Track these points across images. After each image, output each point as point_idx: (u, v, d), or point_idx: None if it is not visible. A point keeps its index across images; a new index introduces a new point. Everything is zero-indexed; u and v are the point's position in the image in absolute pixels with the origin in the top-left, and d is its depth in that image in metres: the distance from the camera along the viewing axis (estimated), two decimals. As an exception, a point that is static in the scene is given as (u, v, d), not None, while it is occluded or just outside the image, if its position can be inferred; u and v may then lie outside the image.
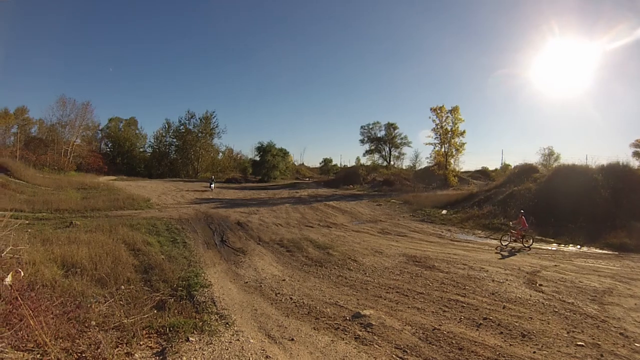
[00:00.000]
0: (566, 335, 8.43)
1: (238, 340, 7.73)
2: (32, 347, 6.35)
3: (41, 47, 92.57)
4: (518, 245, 19.19)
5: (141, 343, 7.26)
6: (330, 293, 11.19)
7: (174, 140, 69.28)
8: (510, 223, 21.07)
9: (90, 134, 66.54)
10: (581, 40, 67.40)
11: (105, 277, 10.31)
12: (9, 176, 34.35)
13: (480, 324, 9.02)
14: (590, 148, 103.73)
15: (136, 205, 25.76)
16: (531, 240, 19.41)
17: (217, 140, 71.68)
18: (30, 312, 6.66)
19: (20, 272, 8.60)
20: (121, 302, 8.98)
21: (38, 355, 6.18)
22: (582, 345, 7.92)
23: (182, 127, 68.25)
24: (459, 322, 9.14)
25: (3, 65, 64.91)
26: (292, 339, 8.14)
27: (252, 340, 7.78)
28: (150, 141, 72.10)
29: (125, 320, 7.81)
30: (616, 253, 17.72)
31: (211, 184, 41.82)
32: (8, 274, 8.24)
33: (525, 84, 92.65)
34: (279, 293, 11.15)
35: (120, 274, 10.78)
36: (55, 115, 59.43)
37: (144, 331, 7.71)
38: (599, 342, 8.09)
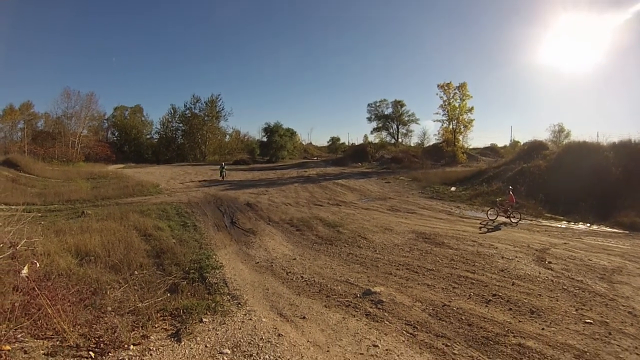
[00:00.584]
0: (575, 312, 8.51)
1: (250, 319, 7.89)
2: (52, 335, 6.57)
3: (42, 41, 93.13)
4: (514, 221, 19.23)
5: (156, 326, 7.45)
6: (341, 271, 11.34)
7: (181, 125, 69.58)
8: (498, 199, 21.33)
9: (97, 124, 67.07)
10: (593, 14, 66.34)
11: (119, 263, 10.53)
12: (18, 171, 34.82)
13: (490, 300, 9.13)
14: (602, 125, 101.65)
15: (145, 192, 26.00)
16: (519, 216, 19.48)
17: (223, 123, 71.81)
18: (48, 301, 6.87)
19: (36, 263, 8.78)
20: (135, 287, 9.21)
21: (57, 342, 6.39)
22: (590, 323, 7.99)
23: (187, 111, 68.51)
24: (468, 299, 9.26)
25: (5, 62, 65.37)
26: (304, 317, 8.30)
27: (264, 319, 7.92)
28: (156, 127, 72.63)
29: (140, 305, 8.05)
30: (626, 232, 17.54)
31: (222, 171, 36.47)
32: (24, 266, 8.43)
33: (536, 60, 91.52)
34: (289, 272, 11.31)
35: (133, 259, 10.99)
36: (60, 108, 60.09)
37: (158, 314, 7.92)
38: (607, 320, 8.15)
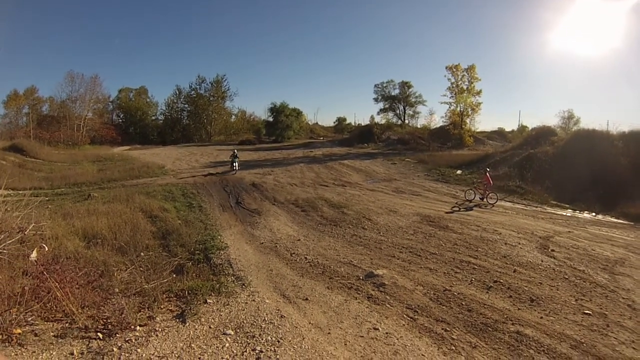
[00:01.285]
0: (574, 302, 8.59)
1: (254, 300, 8.05)
2: (61, 317, 6.78)
3: (44, 24, 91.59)
4: (490, 202, 19.62)
5: (162, 307, 7.66)
6: (345, 252, 11.47)
7: (186, 105, 68.76)
8: (476, 180, 21.91)
9: (102, 107, 66.19)
10: None
11: (125, 245, 10.71)
12: (25, 156, 34.75)
13: (491, 286, 9.24)
14: (613, 113, 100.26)
15: (151, 173, 26.08)
16: (496, 197, 19.83)
17: (229, 103, 70.88)
18: (57, 284, 7.06)
19: (44, 247, 8.99)
20: (141, 268, 9.41)
21: (67, 324, 6.60)
22: (589, 314, 8.07)
23: (193, 92, 67.54)
24: (469, 284, 9.38)
25: (9, 47, 64.96)
26: (307, 299, 8.44)
27: (267, 301, 8.07)
28: (162, 108, 71.56)
29: (146, 286, 8.21)
30: (632, 223, 17.30)
31: (234, 162, 27.75)
32: (33, 250, 8.62)
33: (547, 43, 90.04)
34: (294, 253, 11.45)
35: (139, 241, 11.17)
36: (64, 92, 59.26)
37: (164, 295, 8.11)
38: (606, 312, 8.22)
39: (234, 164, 27.26)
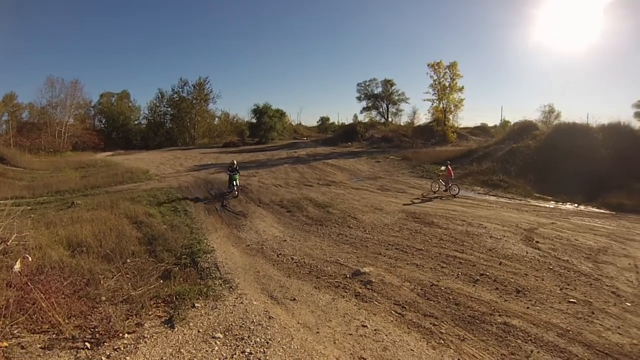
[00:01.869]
0: (559, 292, 8.71)
1: (242, 303, 8.03)
2: (47, 328, 6.69)
3: (22, 28, 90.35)
4: (452, 193, 20.64)
5: (150, 313, 7.59)
6: (331, 251, 11.48)
7: (169, 109, 67.92)
8: (440, 173, 22.33)
9: (83, 112, 65.06)
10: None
11: (111, 252, 10.57)
12: (5, 164, 33.82)
13: (477, 280, 9.33)
14: (592, 107, 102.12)
15: (135, 178, 25.68)
16: (457, 189, 21.00)
17: (212, 105, 70.26)
18: (42, 295, 6.98)
19: (28, 257, 8.85)
20: (128, 275, 9.30)
21: (54, 335, 6.52)
22: (574, 302, 8.19)
23: (175, 95, 66.89)
24: (456, 278, 9.46)
25: None
26: (294, 299, 8.44)
27: (255, 302, 8.06)
28: (144, 112, 70.69)
29: (133, 293, 8.15)
30: (613, 213, 17.76)
31: (234, 180, 20.00)
32: (16, 261, 8.48)
33: (527, 39, 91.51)
34: (280, 254, 11.45)
35: (125, 248, 11.03)
36: (44, 97, 58.14)
37: (151, 301, 8.04)
38: (591, 300, 8.35)
39: (234, 183, 19.79)
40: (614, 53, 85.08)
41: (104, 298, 7.89)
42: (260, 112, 59.01)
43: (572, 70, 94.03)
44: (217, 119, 71.58)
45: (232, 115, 73.36)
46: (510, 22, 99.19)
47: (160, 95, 68.76)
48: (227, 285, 9.04)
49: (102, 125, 67.87)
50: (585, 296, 8.53)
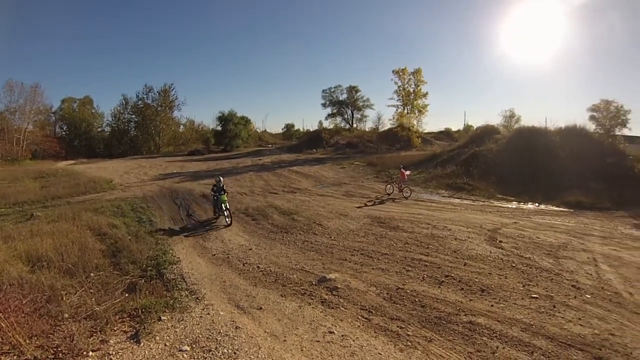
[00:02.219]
0: (522, 288, 8.90)
1: (208, 314, 7.84)
2: (8, 350, 6.32)
3: None
4: (405, 194, 21.37)
5: (115, 329, 7.29)
6: (297, 259, 11.38)
7: (133, 116, 66.07)
8: (392, 176, 23.75)
9: (43, 118, 61.93)
10: (544, 5, 70.22)
11: (73, 266, 10.12)
12: None
13: (442, 281, 9.39)
14: (550, 111, 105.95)
15: (98, 188, 24.82)
16: (410, 191, 21.55)
17: (177, 113, 69.02)
18: (1, 314, 6.60)
19: None
20: (91, 290, 8.94)
21: (15, 357, 6.17)
22: (537, 297, 8.39)
23: (140, 102, 65.30)
24: (422, 281, 9.49)
25: None
26: (261, 308, 8.31)
27: (222, 313, 7.89)
28: (108, 119, 68.63)
29: (98, 308, 7.82)
30: (572, 210, 18.47)
31: (221, 203, 16.30)
32: None
33: (490, 47, 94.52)
34: (246, 263, 11.29)
35: (88, 261, 10.59)
36: (2, 102, 54.97)
37: (116, 316, 7.73)
38: (552, 294, 8.58)
39: (222, 206, 16.10)
40: (571, 61, 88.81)
41: (66, 315, 7.54)
42: (225, 119, 58.37)
43: (532, 77, 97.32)
44: (182, 127, 70.23)
45: (197, 123, 72.14)
46: (473, 31, 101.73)
47: (124, 102, 66.70)
48: (193, 296, 8.82)
49: (64, 133, 65.23)
50: (547, 291, 8.76)
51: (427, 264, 10.56)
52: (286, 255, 11.79)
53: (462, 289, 8.91)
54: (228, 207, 16.16)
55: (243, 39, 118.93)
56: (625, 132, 30.46)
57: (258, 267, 10.87)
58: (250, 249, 12.52)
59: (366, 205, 19.01)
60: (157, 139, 64.36)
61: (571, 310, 7.89)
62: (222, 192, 16.54)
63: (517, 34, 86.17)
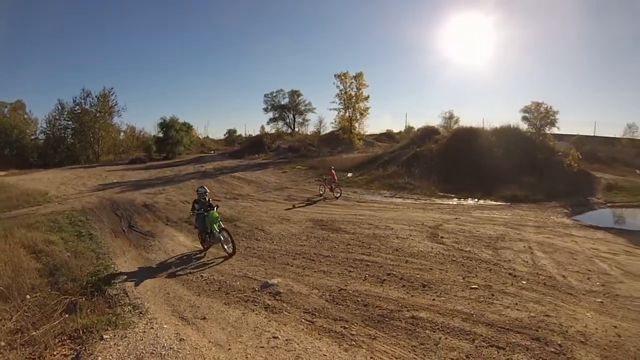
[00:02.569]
0: (462, 280, 9.13)
1: (152, 328, 7.52)
2: None
3: None
4: (336, 195, 22.19)
5: (55, 353, 6.81)
6: (239, 266, 11.15)
7: (70, 122, 62.34)
8: (324, 177, 23.92)
9: None
10: (479, 14, 75.45)
11: (7, 290, 9.36)
12: None
13: (384, 279, 9.44)
14: (487, 112, 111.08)
15: (33, 202, 23.16)
16: (340, 191, 22.57)
17: (117, 119, 66.32)
18: None
19: None
20: (28, 313, 8.34)
21: None
22: (476, 288, 8.64)
23: (77, 107, 61.89)
24: (364, 281, 9.49)
25: None
26: (204, 318, 8.06)
27: (165, 326, 7.59)
28: (42, 126, 64.87)
29: (35, 333, 7.31)
30: (508, 204, 19.79)
31: (212, 222, 12.51)
32: None
33: (430, 50, 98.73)
34: (189, 272, 10.97)
35: (23, 282, 9.84)
36: None
37: (56, 339, 7.22)
38: (491, 284, 8.89)
39: (214, 227, 12.50)
40: (507, 64, 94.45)
41: (2, 343, 7.04)
42: (167, 126, 56.83)
43: (471, 80, 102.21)
44: (122, 134, 67.39)
45: (138, 130, 69.59)
46: (415, 35, 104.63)
47: (60, 107, 62.27)
48: (136, 311, 8.42)
49: (-8, 141, 61.75)
50: (486, 281, 9.08)
51: (369, 263, 10.60)
52: (229, 262, 11.53)
53: (404, 285, 9.00)
54: (223, 226, 12.68)
55: (183, 44, 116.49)
56: (555, 130, 32.66)
57: (201, 276, 10.55)
58: (194, 258, 12.22)
59: (294, 207, 19.39)
60: (96, 147, 61.41)
61: (508, 296, 8.21)
62: (210, 208, 12.75)
63: (456, 39, 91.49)
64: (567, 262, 10.61)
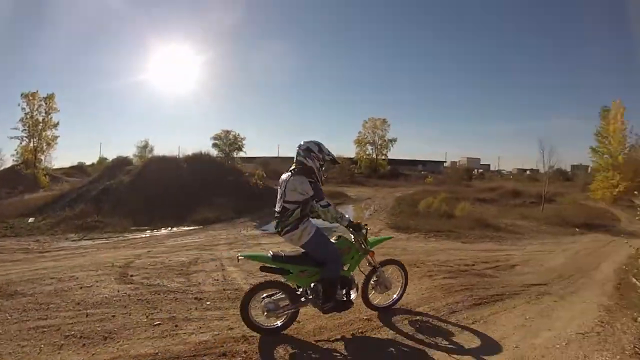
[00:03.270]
0: (145, 320, 8.72)
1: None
2: None
3: None
4: None
5: None
6: None
7: None
8: None
9: None
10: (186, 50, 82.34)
11: None
12: None
13: (62, 344, 8.20)
14: (184, 141, 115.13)
15: None
16: None
17: None
18: None
19: None
20: None
21: None
22: (160, 324, 8.39)
23: None
24: (39, 354, 8.01)
25: None
26: None
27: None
28: None
29: None
30: (201, 227, 20.52)
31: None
32: None
33: (132, 80, 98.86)
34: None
35: None
36: None
37: None
38: (175, 314, 8.80)
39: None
40: (201, 98, 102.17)
41: None
42: None
43: (170, 110, 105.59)
44: None
45: None
46: (115, 62, 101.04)
47: None
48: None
49: None
50: (170, 313, 8.94)
51: (45, 329, 9.00)
52: None
53: (84, 344, 8.01)
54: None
55: None
56: (242, 154, 37.65)
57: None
58: None
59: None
60: None
61: (192, 322, 8.27)
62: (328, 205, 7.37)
63: (157, 69, 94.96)
64: (255, 270, 10.93)
